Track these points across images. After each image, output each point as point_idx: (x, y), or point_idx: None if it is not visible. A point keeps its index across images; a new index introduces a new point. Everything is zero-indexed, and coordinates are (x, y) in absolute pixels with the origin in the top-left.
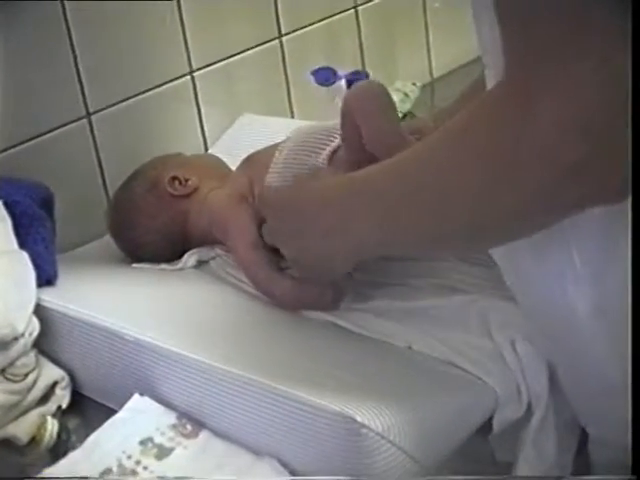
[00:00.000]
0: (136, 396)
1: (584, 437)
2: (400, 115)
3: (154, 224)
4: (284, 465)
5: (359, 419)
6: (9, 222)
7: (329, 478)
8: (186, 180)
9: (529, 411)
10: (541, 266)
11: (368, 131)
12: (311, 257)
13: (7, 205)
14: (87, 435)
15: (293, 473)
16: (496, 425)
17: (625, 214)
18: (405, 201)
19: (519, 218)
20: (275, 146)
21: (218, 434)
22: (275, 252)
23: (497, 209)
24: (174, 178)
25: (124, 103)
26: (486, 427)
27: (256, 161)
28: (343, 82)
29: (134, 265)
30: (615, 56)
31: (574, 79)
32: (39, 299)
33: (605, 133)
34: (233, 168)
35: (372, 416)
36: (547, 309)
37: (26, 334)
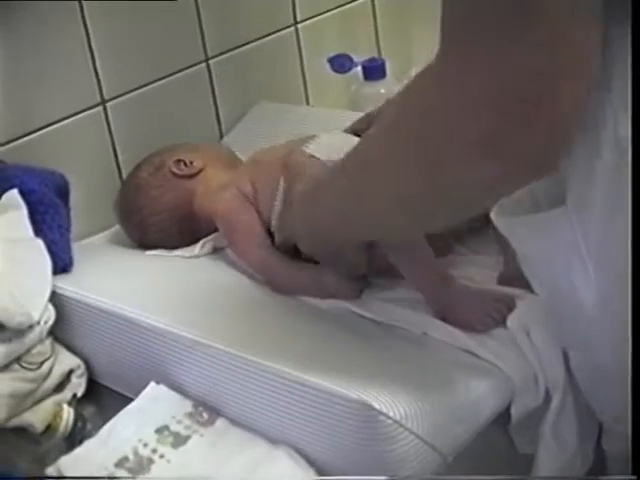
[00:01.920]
0: (152, 384)
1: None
2: None
3: (159, 205)
4: (301, 453)
5: (376, 406)
6: (25, 210)
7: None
8: (191, 162)
9: (547, 399)
10: (548, 256)
11: None
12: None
13: (23, 193)
14: (103, 423)
15: (310, 461)
16: (514, 414)
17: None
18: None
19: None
20: (283, 149)
21: (234, 422)
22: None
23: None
24: (179, 160)
25: (139, 91)
26: (507, 418)
27: (260, 164)
28: (359, 69)
29: (148, 252)
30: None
31: (494, 62)
32: (55, 287)
33: (518, 111)
34: (248, 156)
35: (389, 403)
36: (555, 297)
37: (42, 322)
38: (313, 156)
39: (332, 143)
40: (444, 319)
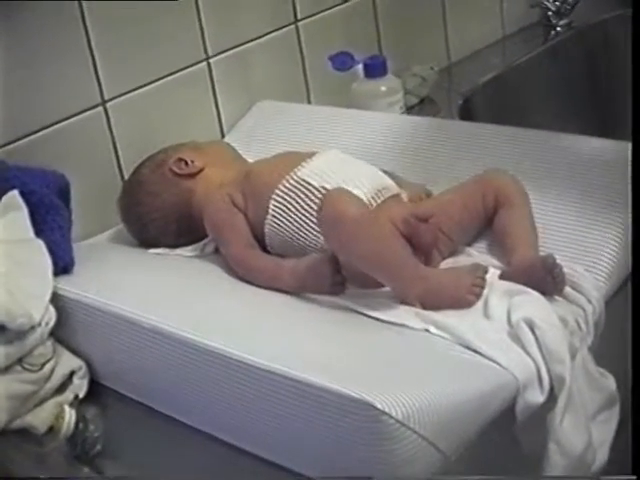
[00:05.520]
0: None
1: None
2: (417, 100)
3: (158, 202)
4: (301, 453)
5: (379, 405)
6: (25, 211)
7: None
8: (192, 161)
9: (552, 396)
10: None
11: None
12: None
13: (23, 194)
14: (105, 424)
15: (311, 461)
16: (518, 412)
17: None
18: None
19: None
20: (278, 167)
21: (234, 423)
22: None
23: None
24: (180, 159)
25: (140, 90)
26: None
27: (253, 181)
28: (360, 67)
29: (150, 251)
30: None
31: None
32: (56, 287)
33: None
34: (249, 154)
35: (392, 402)
36: None
37: (43, 323)
38: (305, 180)
39: (327, 166)
40: (425, 306)
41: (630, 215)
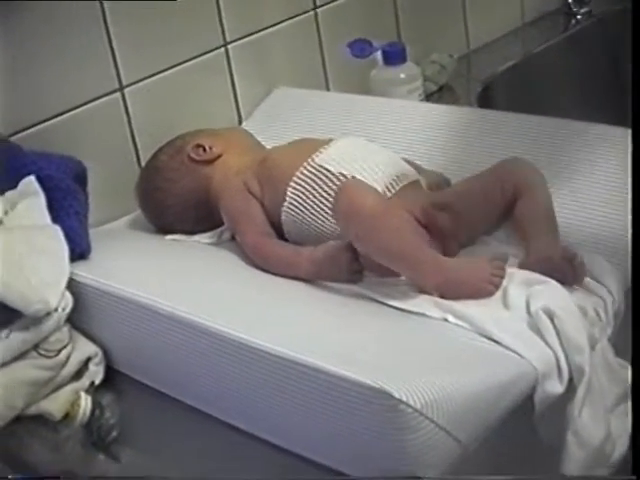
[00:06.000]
0: None
1: None
2: (436, 87)
3: (176, 188)
4: (317, 443)
5: (396, 395)
6: (42, 196)
7: None
8: (210, 148)
9: (571, 386)
10: None
11: None
12: None
13: (40, 179)
14: (121, 411)
15: (327, 451)
16: (537, 402)
17: None
18: None
19: None
20: (294, 153)
21: (249, 410)
22: None
23: None
24: (198, 145)
25: (157, 76)
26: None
27: (270, 168)
28: (379, 54)
29: (167, 237)
30: None
31: None
32: (72, 273)
33: None
34: (267, 141)
35: (410, 392)
36: None
37: (59, 309)
38: (323, 167)
39: (344, 152)
40: (444, 296)
41: (630, 207)
